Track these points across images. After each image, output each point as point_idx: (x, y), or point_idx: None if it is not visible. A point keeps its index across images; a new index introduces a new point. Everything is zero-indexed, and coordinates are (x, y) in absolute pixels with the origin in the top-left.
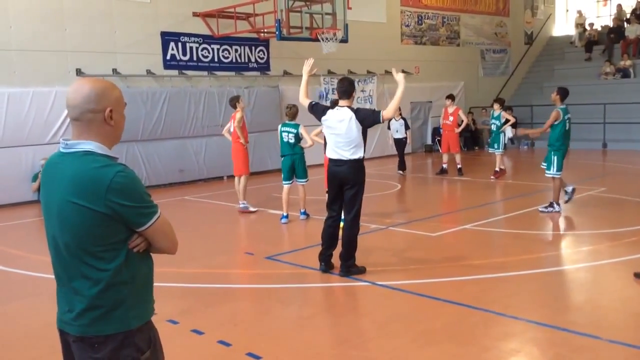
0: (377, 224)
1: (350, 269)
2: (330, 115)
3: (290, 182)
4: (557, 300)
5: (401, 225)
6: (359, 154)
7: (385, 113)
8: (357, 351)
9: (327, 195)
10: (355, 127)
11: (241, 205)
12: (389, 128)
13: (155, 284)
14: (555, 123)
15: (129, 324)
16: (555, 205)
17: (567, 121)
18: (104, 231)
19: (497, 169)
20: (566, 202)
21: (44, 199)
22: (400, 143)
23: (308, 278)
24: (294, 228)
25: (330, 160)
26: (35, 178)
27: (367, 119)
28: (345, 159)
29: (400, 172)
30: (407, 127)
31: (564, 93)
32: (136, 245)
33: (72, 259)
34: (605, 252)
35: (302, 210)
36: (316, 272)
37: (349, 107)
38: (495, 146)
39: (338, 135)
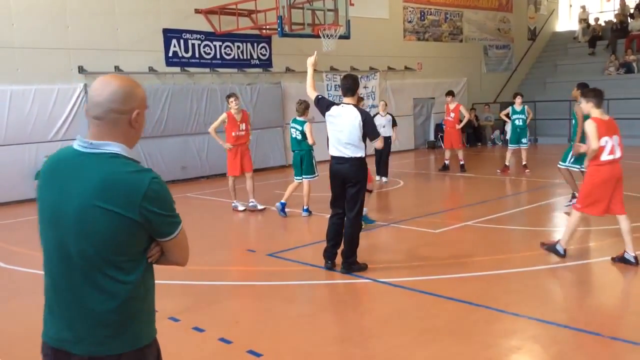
0: (379, 221)
1: (352, 266)
2: (335, 112)
3: (301, 178)
4: (559, 297)
5: (403, 222)
6: (360, 153)
7: (377, 144)
8: (359, 349)
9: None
10: (358, 129)
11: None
12: None
13: (157, 281)
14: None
15: (141, 341)
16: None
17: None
18: (130, 239)
19: (524, 163)
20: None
21: (50, 201)
22: (385, 143)
23: (310, 275)
24: (296, 225)
25: (332, 157)
26: (37, 176)
27: (368, 131)
28: (347, 156)
29: (383, 178)
30: (394, 123)
31: (585, 90)
32: (152, 256)
33: (89, 270)
34: (607, 248)
35: (305, 207)
36: (318, 269)
37: (355, 106)
38: (524, 141)
39: (341, 132)
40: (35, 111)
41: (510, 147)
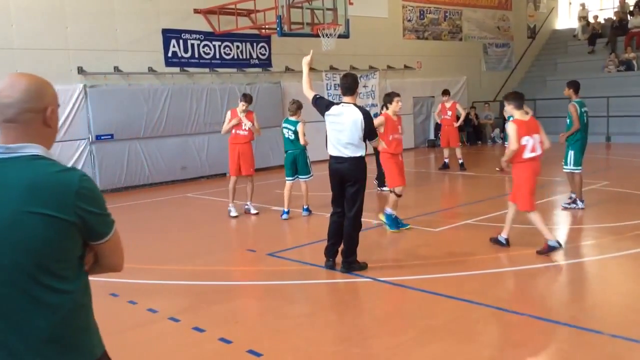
0: (379, 220)
1: (352, 265)
2: (336, 111)
3: (293, 178)
4: (560, 295)
5: (403, 221)
6: (360, 152)
7: (376, 144)
8: (359, 348)
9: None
10: (360, 129)
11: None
12: None
13: (157, 281)
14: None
15: (94, 351)
16: (578, 202)
17: (585, 114)
18: (69, 243)
19: None
20: (564, 208)
21: None
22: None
23: (310, 275)
24: (296, 224)
25: (331, 157)
26: None
27: (368, 131)
28: (346, 156)
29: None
30: None
31: (576, 86)
32: (86, 263)
33: (26, 283)
34: (608, 246)
35: (305, 207)
36: (318, 269)
37: (356, 105)
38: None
39: (341, 132)
40: None
41: (506, 144)
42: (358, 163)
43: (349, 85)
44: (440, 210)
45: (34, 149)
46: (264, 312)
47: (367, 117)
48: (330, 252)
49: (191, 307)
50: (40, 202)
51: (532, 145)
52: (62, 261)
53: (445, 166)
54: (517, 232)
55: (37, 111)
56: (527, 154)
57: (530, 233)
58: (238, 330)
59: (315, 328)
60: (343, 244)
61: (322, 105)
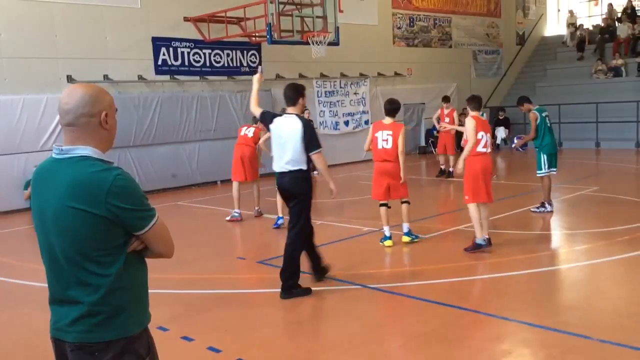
0: (369, 227)
1: (292, 290)
2: (279, 123)
3: None
4: (549, 301)
5: (393, 227)
6: (300, 165)
7: (315, 157)
8: (349, 356)
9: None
10: (301, 140)
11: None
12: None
13: None
14: (537, 123)
15: (129, 329)
16: (547, 205)
17: (546, 118)
18: (104, 235)
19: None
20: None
21: (37, 206)
22: None
23: (300, 282)
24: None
25: (276, 173)
26: (27, 186)
27: (306, 142)
28: (286, 170)
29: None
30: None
31: (528, 99)
32: (134, 249)
33: (70, 266)
34: (598, 251)
35: None
36: (307, 276)
37: (298, 115)
38: None
39: (282, 145)
40: (24, 121)
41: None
42: (299, 176)
43: (289, 95)
44: (431, 216)
45: (84, 150)
46: (253, 320)
47: (307, 127)
48: (314, 267)
49: (180, 316)
50: (78, 198)
51: (485, 141)
52: (99, 249)
53: (442, 172)
54: (506, 239)
55: (92, 115)
56: (480, 149)
57: (520, 239)
58: (227, 339)
59: (305, 336)
60: (283, 264)
61: (267, 119)
